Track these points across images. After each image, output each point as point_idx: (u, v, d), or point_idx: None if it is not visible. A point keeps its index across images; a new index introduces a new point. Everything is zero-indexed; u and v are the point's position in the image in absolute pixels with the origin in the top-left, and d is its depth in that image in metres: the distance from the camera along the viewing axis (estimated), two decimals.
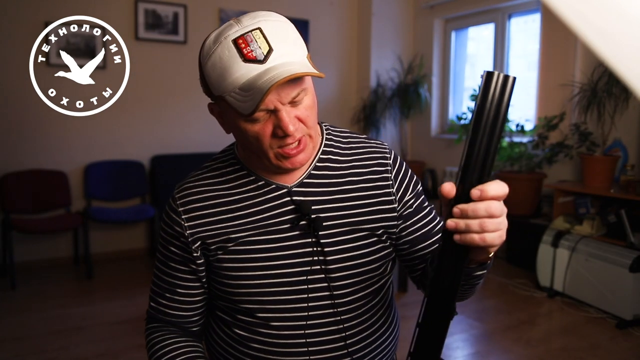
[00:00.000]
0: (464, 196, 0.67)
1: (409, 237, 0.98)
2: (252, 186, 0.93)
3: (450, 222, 0.65)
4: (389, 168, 0.97)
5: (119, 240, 4.02)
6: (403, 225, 0.98)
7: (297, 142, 0.85)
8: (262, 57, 0.77)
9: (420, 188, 1.03)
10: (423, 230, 0.99)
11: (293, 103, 0.82)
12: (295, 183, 0.92)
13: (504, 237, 0.69)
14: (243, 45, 0.77)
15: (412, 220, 0.98)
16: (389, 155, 0.99)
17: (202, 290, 0.98)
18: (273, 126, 0.82)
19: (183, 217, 0.93)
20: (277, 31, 0.80)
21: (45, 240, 3.75)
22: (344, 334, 0.92)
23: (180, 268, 0.96)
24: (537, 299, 3.21)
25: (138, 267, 3.84)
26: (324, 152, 0.95)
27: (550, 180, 3.67)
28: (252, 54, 0.77)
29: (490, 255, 0.75)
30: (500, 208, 0.65)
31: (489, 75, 0.60)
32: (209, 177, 0.96)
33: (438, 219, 1.02)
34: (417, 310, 0.72)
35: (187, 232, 0.92)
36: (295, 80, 0.80)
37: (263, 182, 0.92)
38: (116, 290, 3.30)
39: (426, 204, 1.02)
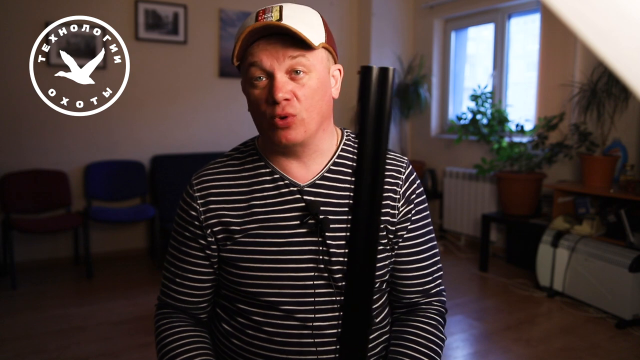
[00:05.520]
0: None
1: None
2: (267, 178, 0.95)
3: None
4: (400, 182, 0.98)
5: (119, 240, 4.02)
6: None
7: (285, 117, 0.87)
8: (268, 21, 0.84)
9: (428, 222, 1.02)
10: (401, 264, 1.00)
11: (293, 76, 0.86)
12: (307, 183, 0.95)
13: None
14: (261, 13, 0.86)
15: (397, 246, 0.99)
16: (403, 170, 0.99)
17: (213, 276, 0.99)
18: (267, 92, 0.87)
19: (199, 201, 0.96)
20: (295, 11, 0.86)
21: (46, 240, 3.75)
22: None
23: (193, 253, 0.97)
24: (537, 298, 3.22)
25: (138, 267, 3.84)
26: (339, 157, 0.98)
27: (550, 180, 3.68)
28: (263, 19, 0.84)
29: None
30: None
31: (365, 71, 0.48)
32: (227, 167, 0.98)
33: (433, 260, 1.02)
34: None
35: (202, 217, 0.95)
36: (293, 44, 0.84)
37: (278, 176, 0.95)
38: (116, 290, 3.30)
39: (426, 239, 1.01)
